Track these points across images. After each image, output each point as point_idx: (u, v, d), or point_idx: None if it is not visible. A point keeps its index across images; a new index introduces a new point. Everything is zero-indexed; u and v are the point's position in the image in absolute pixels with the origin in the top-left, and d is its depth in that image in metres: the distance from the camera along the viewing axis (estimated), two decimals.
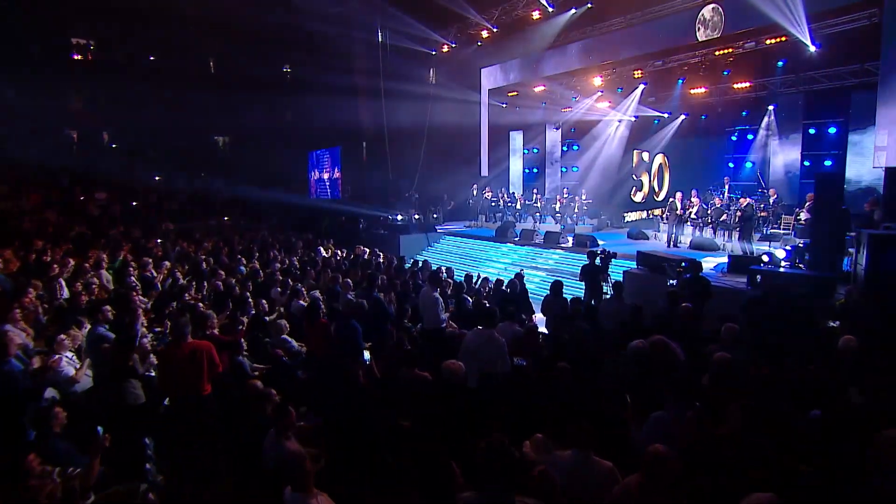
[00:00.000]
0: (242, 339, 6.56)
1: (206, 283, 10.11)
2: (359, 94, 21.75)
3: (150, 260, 10.96)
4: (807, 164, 14.92)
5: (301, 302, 8.97)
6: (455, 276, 11.22)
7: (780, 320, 6.69)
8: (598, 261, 10.63)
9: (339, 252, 14.21)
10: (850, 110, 14.08)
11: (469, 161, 21.40)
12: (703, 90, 16.27)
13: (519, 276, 9.24)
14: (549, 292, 8.60)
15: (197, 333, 5.81)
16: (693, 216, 14.45)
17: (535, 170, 22.54)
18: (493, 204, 19.85)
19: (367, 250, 14.22)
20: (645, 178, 17.99)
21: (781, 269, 9.35)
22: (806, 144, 14.94)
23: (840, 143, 14.34)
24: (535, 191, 19.85)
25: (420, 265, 12.49)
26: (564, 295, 8.54)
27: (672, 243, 13.52)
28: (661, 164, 17.41)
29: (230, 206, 21.13)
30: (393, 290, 9.11)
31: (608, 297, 8.07)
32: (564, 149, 21.43)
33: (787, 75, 14.64)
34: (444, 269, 11.59)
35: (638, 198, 18.12)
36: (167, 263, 11.28)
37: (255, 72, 23.20)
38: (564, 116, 20.35)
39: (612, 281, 10.62)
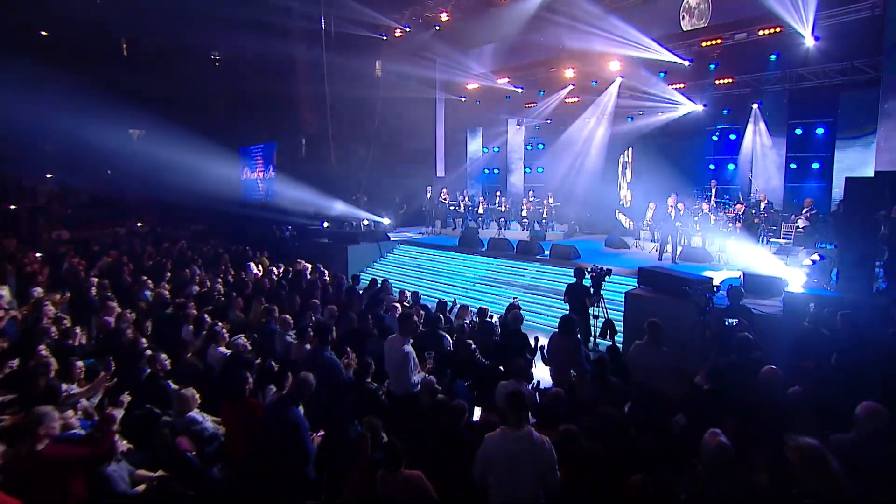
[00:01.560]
0: (115, 439, 4.07)
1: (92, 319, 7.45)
2: (299, 83, 19.09)
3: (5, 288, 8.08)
4: (793, 166, 13.94)
5: (221, 349, 6.53)
6: (420, 301, 9.07)
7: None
8: (587, 279, 8.83)
9: (274, 269, 11.67)
10: (838, 110, 13.09)
11: (423, 161, 19.60)
12: (681, 85, 14.94)
13: (514, 314, 7.05)
14: (556, 330, 6.61)
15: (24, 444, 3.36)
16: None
17: (496, 171, 20.86)
18: (451, 208, 17.98)
19: (309, 266, 11.76)
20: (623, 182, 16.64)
21: (827, 290, 7.81)
22: (792, 146, 13.95)
23: (828, 145, 13.38)
24: (498, 193, 18.13)
25: (379, 285, 10.21)
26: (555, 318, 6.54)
27: (672, 256, 11.92)
28: (625, 161, 16.12)
29: (146, 210, 17.91)
30: (349, 340, 6.82)
31: (638, 342, 6.10)
32: (529, 148, 19.77)
33: (772, 72, 13.51)
34: (408, 293, 9.41)
35: (614, 199, 16.80)
36: (38, 290, 8.40)
37: (177, 56, 20.02)
38: (530, 112, 18.61)
39: (603, 305, 8.86)
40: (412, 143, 19.08)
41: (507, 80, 17.90)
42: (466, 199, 17.99)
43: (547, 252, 13.36)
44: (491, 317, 8.26)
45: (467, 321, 8.32)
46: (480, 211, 17.60)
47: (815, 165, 13.59)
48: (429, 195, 18.14)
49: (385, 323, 7.59)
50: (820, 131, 13.47)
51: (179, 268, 11.06)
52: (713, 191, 14.15)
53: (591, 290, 8.95)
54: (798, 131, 13.79)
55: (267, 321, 7.65)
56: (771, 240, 11.91)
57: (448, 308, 8.64)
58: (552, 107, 17.70)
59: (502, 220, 17.12)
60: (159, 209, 17.97)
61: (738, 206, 12.09)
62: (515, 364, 5.35)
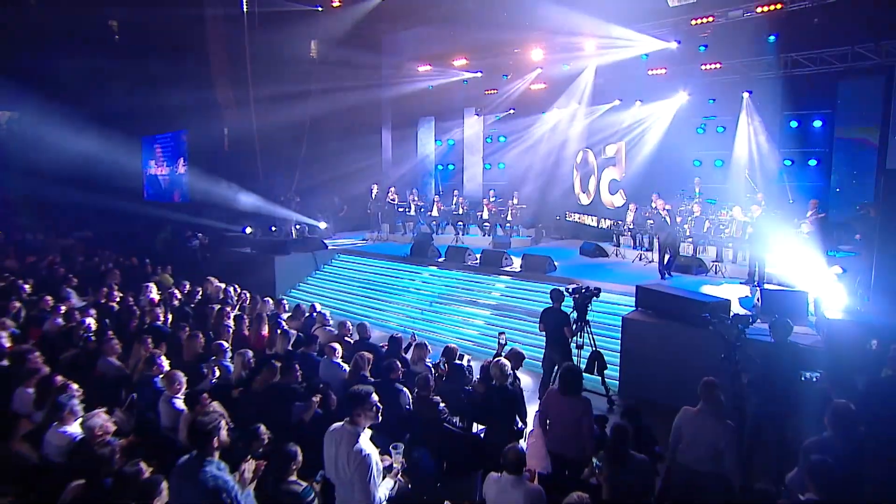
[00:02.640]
0: None
1: None
2: (216, 61, 16.88)
3: None
4: (788, 163, 13.15)
5: (68, 430, 4.59)
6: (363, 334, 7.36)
7: None
8: (569, 300, 7.55)
9: (177, 291, 9.60)
10: (837, 101, 12.43)
11: (367, 155, 18.04)
12: (662, 70, 13.94)
13: (499, 366, 5.31)
14: (556, 386, 5.11)
15: None
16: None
17: (451, 166, 19.44)
18: (400, 210, 16.53)
19: (222, 286, 9.76)
20: (592, 180, 15.55)
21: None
22: (786, 140, 13.12)
23: (827, 140, 12.71)
24: (455, 193, 16.67)
25: (309, 313, 8.40)
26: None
27: (666, 270, 10.71)
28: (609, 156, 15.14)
29: (14, 213, 15.17)
30: (264, 405, 5.05)
31: (689, 409, 4.66)
32: (489, 141, 18.41)
33: (764, 56, 12.70)
34: (348, 323, 7.68)
35: (584, 200, 15.77)
36: None
37: (65, 24, 17.33)
38: (490, 100, 17.31)
39: (589, 332, 7.50)
40: (354, 134, 17.43)
41: (464, 62, 16.57)
42: (417, 198, 16.57)
43: (517, 264, 11.94)
44: (461, 357, 6.68)
45: (428, 363, 6.69)
46: (435, 213, 16.19)
47: (813, 162, 12.86)
48: (374, 195, 16.67)
49: (318, 379, 5.89)
50: (818, 124, 12.72)
51: (43, 291, 8.82)
52: (697, 189, 13.22)
53: (575, 314, 7.55)
54: (794, 124, 13.01)
55: (149, 375, 5.76)
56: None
57: (404, 346, 6.97)
58: (516, 94, 16.47)
59: (460, 223, 15.83)
60: (28, 210, 15.27)
61: (755, 207, 10.97)
62: (508, 456, 3.78)
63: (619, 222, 13.87)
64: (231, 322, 7.47)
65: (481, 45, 15.64)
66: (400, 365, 5.89)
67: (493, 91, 17.05)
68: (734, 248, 11.42)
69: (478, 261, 12.47)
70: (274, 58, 16.27)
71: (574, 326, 7.49)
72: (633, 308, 8.49)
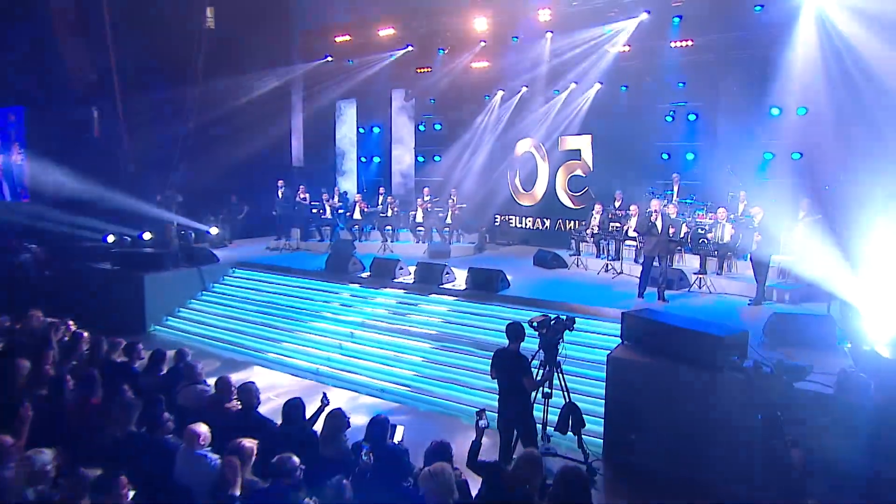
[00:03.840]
0: None
1: None
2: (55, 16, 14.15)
3: None
4: (768, 156, 12.32)
5: None
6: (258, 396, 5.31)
7: None
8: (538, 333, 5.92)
9: None
10: None
11: (272, 144, 16.17)
12: (626, 48, 12.87)
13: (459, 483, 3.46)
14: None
15: None
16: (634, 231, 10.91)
17: (376, 159, 17.78)
18: (313, 211, 14.85)
19: (50, 322, 7.27)
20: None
21: None
22: (764, 130, 12.17)
23: (817, 129, 11.56)
24: (382, 191, 15.08)
25: (180, 363, 6.20)
26: None
27: (661, 292, 9.27)
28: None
29: None
30: None
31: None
32: (422, 128, 16.92)
33: (738, 32, 11.82)
34: (233, 387, 5.56)
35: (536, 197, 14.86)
36: None
37: None
38: (424, 79, 15.83)
39: (560, 377, 5.98)
40: (255, 118, 15.45)
41: (391, 32, 14.90)
42: (336, 198, 14.90)
43: (461, 279, 10.25)
44: (393, 429, 4.79)
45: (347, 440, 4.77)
46: (357, 216, 14.47)
47: (796, 156, 12.07)
48: (280, 193, 14.93)
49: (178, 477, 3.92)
50: (801, 112, 11.80)
51: None
52: (675, 188, 12.25)
53: (541, 353, 5.92)
54: (775, 111, 12.10)
55: None
56: None
57: (316, 411, 5.04)
58: (455, 73, 15.06)
59: (388, 228, 14.16)
60: None
61: (755, 210, 9.89)
62: None
63: (582, 223, 12.70)
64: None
65: (412, 11, 14.32)
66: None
67: (426, 69, 15.54)
68: (720, 257, 10.36)
69: (412, 276, 10.66)
70: (148, 20, 13.82)
71: (541, 371, 5.86)
72: (619, 341, 6.97)
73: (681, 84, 12.91)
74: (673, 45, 12.37)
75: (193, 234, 13.79)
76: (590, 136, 13.84)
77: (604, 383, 6.70)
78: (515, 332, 5.63)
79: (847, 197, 9.80)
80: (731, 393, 5.51)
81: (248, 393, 5.23)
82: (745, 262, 10.06)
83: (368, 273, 11.07)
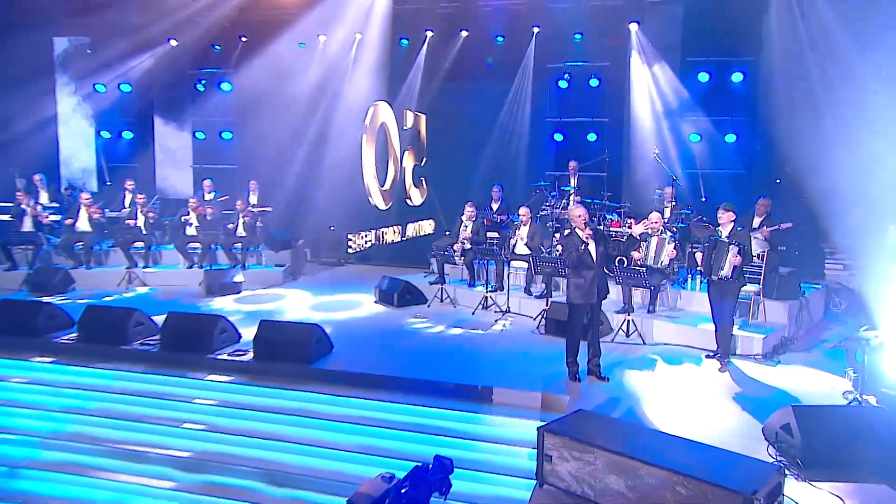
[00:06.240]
0: None
1: None
2: None
3: None
4: (695, 138, 10.91)
5: None
6: None
7: None
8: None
9: None
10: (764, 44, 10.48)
11: None
12: None
13: None
14: None
15: None
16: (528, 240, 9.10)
17: (126, 134, 13.91)
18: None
19: None
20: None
21: None
22: (693, 101, 10.90)
23: (753, 102, 10.70)
24: (129, 185, 11.71)
25: None
26: None
27: (595, 365, 6.24)
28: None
29: None
30: None
31: None
32: (201, 87, 13.47)
33: None
34: None
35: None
36: None
37: None
38: (199, 20, 12.76)
39: None
40: None
41: None
42: (45, 195, 11.38)
43: (248, 336, 6.70)
44: None
45: None
46: (84, 225, 10.83)
47: (731, 137, 10.72)
48: None
49: None
50: (738, 78, 10.63)
51: None
52: (574, 179, 10.40)
53: None
54: (703, 77, 10.77)
55: None
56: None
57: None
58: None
59: (138, 244, 10.90)
60: None
61: (654, 214, 8.17)
62: None
63: (447, 234, 10.55)
64: None
65: None
66: None
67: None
68: (652, 287, 8.13)
69: (157, 339, 6.85)
70: None
71: None
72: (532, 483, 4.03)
73: (578, 36, 11.31)
74: None
75: None
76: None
77: None
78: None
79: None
80: None
81: None
82: (689, 293, 8.18)
83: (75, 335, 7.17)
